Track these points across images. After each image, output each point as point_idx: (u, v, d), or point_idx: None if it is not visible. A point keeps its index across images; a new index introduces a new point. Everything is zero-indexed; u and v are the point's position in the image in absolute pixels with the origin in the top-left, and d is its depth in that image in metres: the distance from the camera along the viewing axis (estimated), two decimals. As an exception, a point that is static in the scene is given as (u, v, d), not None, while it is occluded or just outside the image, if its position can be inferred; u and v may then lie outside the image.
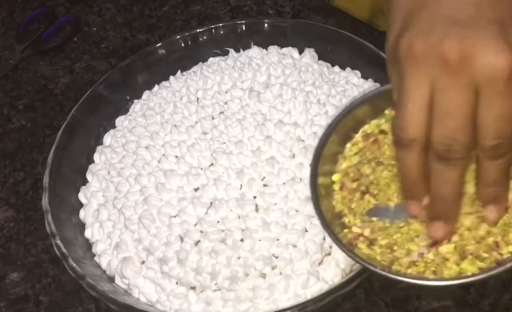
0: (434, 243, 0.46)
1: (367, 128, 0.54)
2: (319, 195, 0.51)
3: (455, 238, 0.46)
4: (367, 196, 0.51)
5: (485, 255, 0.45)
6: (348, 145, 0.54)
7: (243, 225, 0.59)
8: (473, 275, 0.44)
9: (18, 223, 0.69)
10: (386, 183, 0.50)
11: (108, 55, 0.86)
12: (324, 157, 0.52)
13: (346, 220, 0.50)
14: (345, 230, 0.50)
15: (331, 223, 0.49)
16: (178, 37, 0.77)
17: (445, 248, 0.46)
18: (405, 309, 0.56)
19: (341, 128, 0.53)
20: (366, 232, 0.49)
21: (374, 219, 0.49)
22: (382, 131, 0.53)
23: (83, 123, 0.70)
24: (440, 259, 0.46)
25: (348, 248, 0.48)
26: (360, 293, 0.57)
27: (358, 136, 0.54)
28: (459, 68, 0.39)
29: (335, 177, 0.53)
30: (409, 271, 0.46)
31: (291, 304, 0.53)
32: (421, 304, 0.56)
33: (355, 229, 0.49)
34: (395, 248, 0.47)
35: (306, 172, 0.62)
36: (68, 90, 0.82)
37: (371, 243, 0.48)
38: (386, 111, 0.53)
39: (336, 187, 0.53)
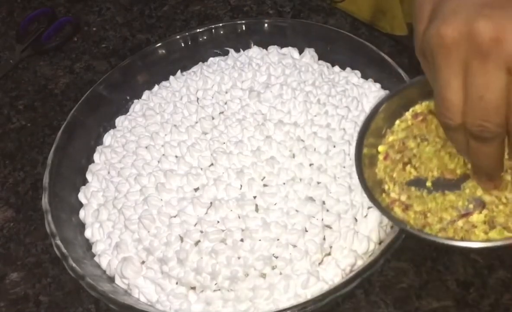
0: (466, 214, 0.49)
1: (417, 108, 0.56)
2: (362, 164, 0.53)
3: (485, 211, 0.48)
4: (408, 167, 0.53)
5: None
6: (397, 121, 0.56)
7: (243, 225, 0.59)
8: (500, 240, 0.46)
9: (18, 223, 0.69)
10: (429, 157, 0.53)
11: (108, 55, 0.86)
12: (370, 130, 0.55)
13: (386, 186, 0.53)
14: (384, 195, 0.52)
15: (372, 188, 0.52)
16: (178, 37, 0.77)
17: (475, 217, 0.48)
18: (405, 309, 0.56)
19: (390, 106, 0.56)
20: (403, 198, 0.51)
21: (413, 188, 0.52)
22: (431, 112, 0.55)
23: (83, 123, 0.70)
24: (469, 226, 0.48)
25: (385, 210, 0.50)
26: (360, 293, 0.57)
27: (408, 114, 0.56)
28: (489, 50, 0.39)
29: (381, 148, 0.55)
30: (439, 235, 0.48)
31: (291, 304, 0.53)
32: (421, 304, 0.56)
33: (393, 194, 0.52)
34: (429, 215, 0.50)
35: (306, 172, 0.62)
36: (68, 90, 0.82)
37: (406, 208, 0.51)
38: None
39: (380, 157, 0.55)
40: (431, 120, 0.55)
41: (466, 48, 0.40)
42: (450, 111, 0.42)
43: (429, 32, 0.41)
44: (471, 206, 0.49)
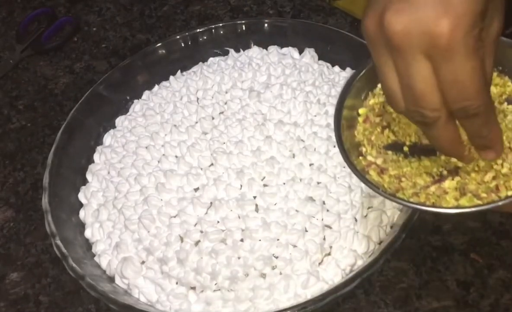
0: (439, 180, 0.48)
1: None
2: (341, 125, 0.53)
3: (457, 177, 0.48)
4: (386, 131, 0.53)
5: (484, 194, 0.46)
6: (379, 84, 0.55)
7: (243, 225, 0.59)
8: (470, 207, 0.46)
9: (18, 223, 0.69)
10: (407, 122, 0.52)
11: (108, 55, 0.86)
12: (351, 92, 0.54)
13: (363, 149, 0.53)
14: (360, 158, 0.52)
15: (349, 151, 0.51)
16: (178, 37, 0.77)
17: (447, 184, 0.48)
18: (405, 309, 0.56)
19: (373, 68, 0.56)
20: (379, 161, 0.51)
21: (389, 152, 0.52)
22: None
23: (83, 123, 0.70)
24: (441, 192, 0.48)
25: (360, 173, 0.49)
26: (360, 293, 0.57)
27: None
28: (401, 42, 0.38)
29: (361, 110, 0.55)
30: (411, 200, 0.47)
31: (291, 304, 0.53)
32: (421, 304, 0.56)
33: (369, 158, 0.52)
34: (403, 179, 0.49)
35: (306, 172, 0.62)
36: (68, 90, 0.82)
37: (381, 171, 0.51)
38: None
39: (360, 119, 0.54)
40: None
41: (383, 40, 0.39)
42: (392, 99, 0.42)
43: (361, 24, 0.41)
44: (445, 172, 0.49)
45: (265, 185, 0.62)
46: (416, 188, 0.48)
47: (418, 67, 0.39)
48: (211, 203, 0.61)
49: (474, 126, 0.42)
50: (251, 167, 0.63)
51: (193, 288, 0.57)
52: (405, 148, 0.51)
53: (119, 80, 0.74)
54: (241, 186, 0.62)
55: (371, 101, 0.55)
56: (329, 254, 0.57)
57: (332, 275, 0.55)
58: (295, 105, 0.68)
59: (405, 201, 0.47)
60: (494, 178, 0.47)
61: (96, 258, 0.61)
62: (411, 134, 0.52)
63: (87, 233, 0.63)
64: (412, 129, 0.52)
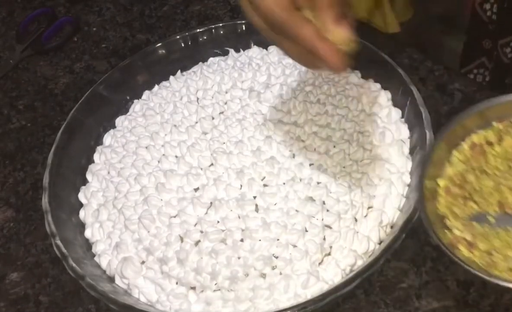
0: None
1: (474, 137, 0.57)
2: (424, 196, 0.54)
3: None
4: (470, 203, 0.54)
5: None
6: (455, 152, 0.57)
7: (243, 225, 0.59)
8: None
9: (18, 223, 0.69)
10: (489, 192, 0.54)
11: (108, 55, 0.86)
12: (432, 161, 0.56)
13: (448, 222, 0.53)
14: (446, 231, 0.53)
15: (434, 223, 0.52)
16: (178, 37, 0.77)
17: None
18: (405, 309, 0.56)
19: (450, 135, 0.58)
20: (468, 237, 0.52)
21: (474, 223, 0.52)
22: (489, 143, 0.57)
23: (83, 123, 0.70)
24: None
25: (449, 249, 0.50)
26: (360, 293, 0.57)
27: (465, 145, 0.57)
28: None
29: (441, 182, 0.56)
30: (505, 276, 0.48)
31: (291, 304, 0.53)
32: (421, 304, 0.56)
33: (457, 232, 0.52)
34: (494, 253, 0.50)
35: (306, 172, 0.62)
36: (68, 90, 0.82)
37: (470, 246, 0.51)
38: (494, 123, 0.58)
39: (441, 191, 0.55)
40: (489, 151, 0.56)
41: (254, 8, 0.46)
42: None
43: None
44: None
45: (265, 185, 0.62)
46: (509, 262, 0.49)
47: None
48: (211, 203, 0.61)
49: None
50: (251, 167, 0.63)
51: (193, 288, 0.57)
52: (490, 219, 0.52)
53: (119, 80, 0.74)
54: (241, 186, 0.62)
55: (449, 170, 0.56)
56: (329, 254, 0.57)
57: (332, 275, 0.55)
58: (295, 105, 0.68)
59: (503, 279, 0.47)
60: None
61: (96, 258, 0.61)
62: (493, 203, 0.53)
63: (87, 233, 0.63)
64: (495, 199, 0.53)
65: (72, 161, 0.68)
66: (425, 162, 0.56)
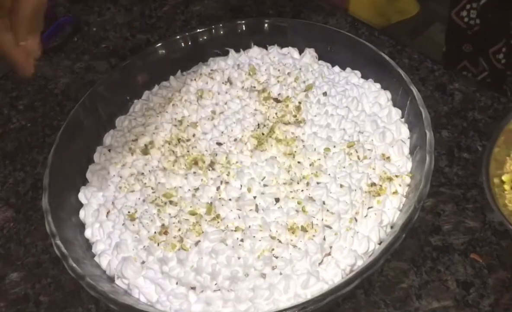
0: None
1: None
2: (494, 194, 0.54)
3: None
4: None
5: None
6: None
7: (243, 225, 0.59)
8: None
9: (18, 223, 0.69)
10: None
11: (108, 55, 0.86)
12: (494, 158, 0.56)
13: None
14: None
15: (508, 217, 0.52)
16: (178, 37, 0.77)
17: None
18: (405, 309, 0.56)
19: (507, 131, 0.58)
20: None
21: None
22: None
23: (83, 123, 0.70)
24: None
25: None
26: (360, 293, 0.57)
27: None
28: None
29: (505, 178, 0.56)
30: None
31: (291, 304, 0.53)
32: (421, 304, 0.56)
33: None
34: None
35: (306, 172, 0.62)
36: (68, 90, 0.82)
37: None
38: None
39: (506, 186, 0.56)
40: None
41: None
42: None
43: None
44: None
45: (265, 185, 0.62)
46: None
47: None
48: (211, 203, 0.61)
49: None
50: (251, 167, 0.63)
51: (193, 288, 0.57)
52: None
53: (119, 80, 0.74)
54: (241, 186, 0.62)
55: (510, 165, 0.57)
56: (329, 254, 0.57)
57: (332, 275, 0.55)
58: (295, 105, 0.68)
59: None
60: None
61: (96, 258, 0.61)
62: None
63: (87, 233, 0.63)
64: None
65: (72, 161, 0.67)
66: (487, 159, 0.56)
